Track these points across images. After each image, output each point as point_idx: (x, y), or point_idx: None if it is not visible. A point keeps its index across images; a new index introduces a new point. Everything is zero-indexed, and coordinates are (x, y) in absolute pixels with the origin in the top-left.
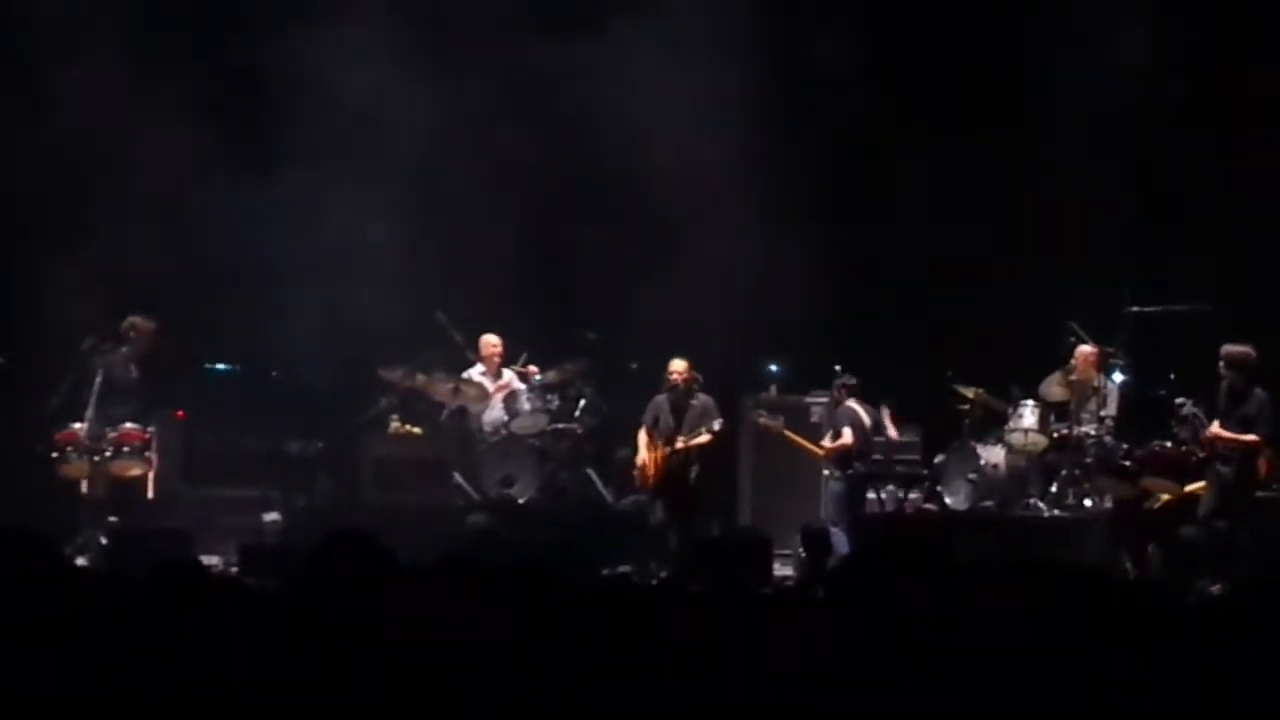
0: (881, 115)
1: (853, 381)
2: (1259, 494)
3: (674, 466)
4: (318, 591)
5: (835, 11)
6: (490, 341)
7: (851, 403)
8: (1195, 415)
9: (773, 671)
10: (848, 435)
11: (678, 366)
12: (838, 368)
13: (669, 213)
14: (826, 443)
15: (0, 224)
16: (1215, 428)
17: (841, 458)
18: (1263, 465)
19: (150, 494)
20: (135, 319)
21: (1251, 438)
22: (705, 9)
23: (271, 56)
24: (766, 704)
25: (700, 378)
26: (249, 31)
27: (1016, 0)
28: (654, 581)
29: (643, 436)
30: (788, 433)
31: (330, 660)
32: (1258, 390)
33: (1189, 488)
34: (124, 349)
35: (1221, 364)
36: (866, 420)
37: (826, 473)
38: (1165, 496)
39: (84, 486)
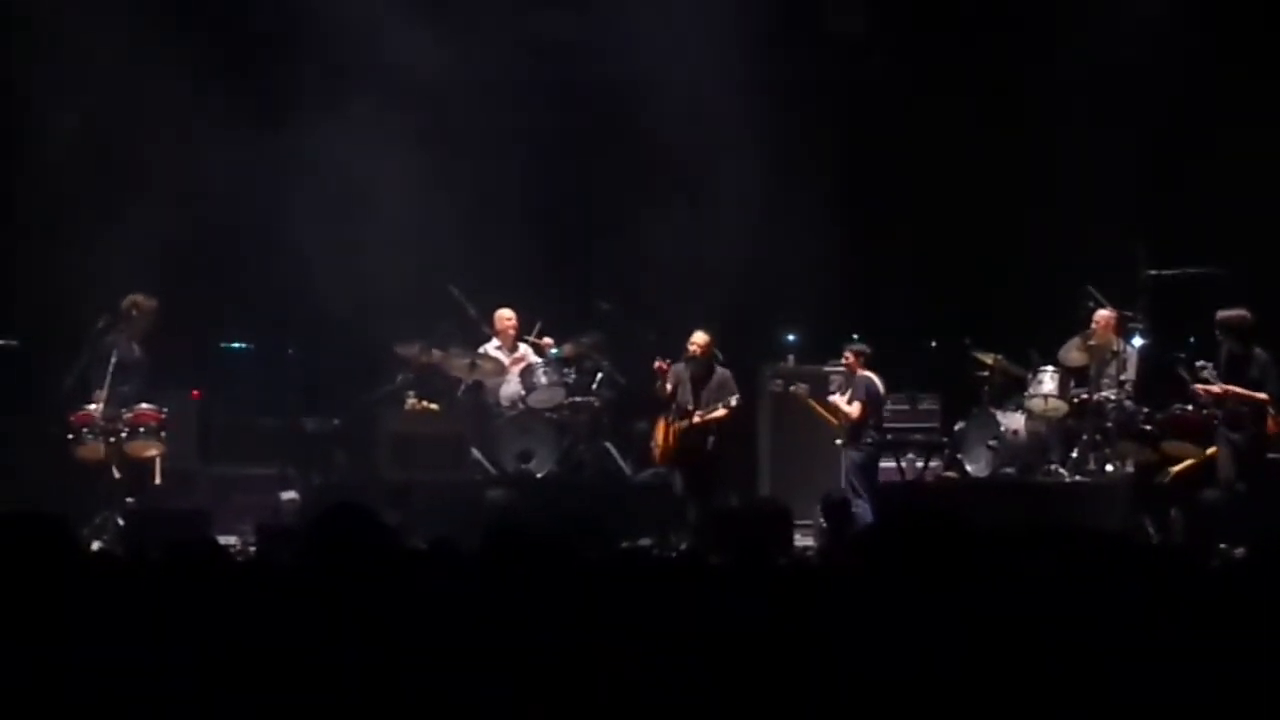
0: (896, 80)
1: (867, 349)
2: (1273, 455)
3: (691, 439)
4: (318, 567)
5: None
6: (505, 315)
7: (867, 371)
8: (1206, 368)
9: (795, 641)
10: (856, 408)
11: (698, 338)
12: (855, 337)
13: (684, 182)
14: (843, 405)
15: (9, 206)
16: (1216, 387)
17: (855, 429)
18: (1271, 424)
19: (158, 477)
20: (136, 297)
21: (1262, 396)
22: None
23: (283, 24)
24: (787, 673)
25: (720, 353)
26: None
27: None
28: (674, 554)
29: (669, 387)
30: (812, 401)
31: (346, 636)
32: (1258, 351)
33: (1210, 451)
34: (128, 328)
35: (1218, 330)
36: (881, 389)
37: (840, 442)
38: (1176, 466)
39: (112, 469)
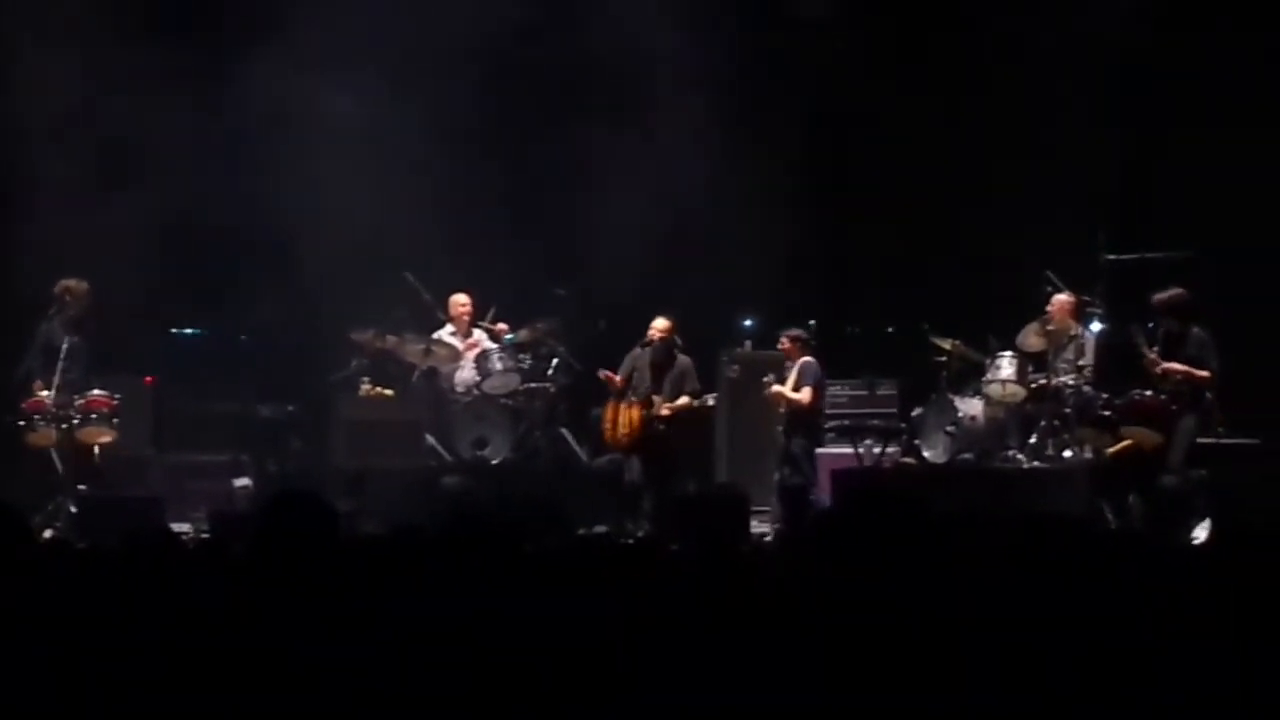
0: (857, 63)
1: (804, 334)
2: (1233, 441)
3: (652, 427)
4: (269, 555)
5: None
6: (459, 301)
7: (808, 356)
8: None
9: (752, 627)
10: (807, 393)
11: (659, 324)
12: (811, 322)
13: (641, 166)
14: (789, 393)
15: None
16: (1151, 354)
17: (805, 416)
18: (1211, 401)
19: (97, 461)
20: (68, 282)
21: (1204, 373)
22: None
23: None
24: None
25: (679, 340)
26: None
27: None
28: (631, 540)
29: (619, 379)
30: (776, 389)
31: (299, 624)
32: (1195, 329)
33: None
34: (66, 314)
35: (1156, 312)
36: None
37: (781, 428)
38: (1116, 447)
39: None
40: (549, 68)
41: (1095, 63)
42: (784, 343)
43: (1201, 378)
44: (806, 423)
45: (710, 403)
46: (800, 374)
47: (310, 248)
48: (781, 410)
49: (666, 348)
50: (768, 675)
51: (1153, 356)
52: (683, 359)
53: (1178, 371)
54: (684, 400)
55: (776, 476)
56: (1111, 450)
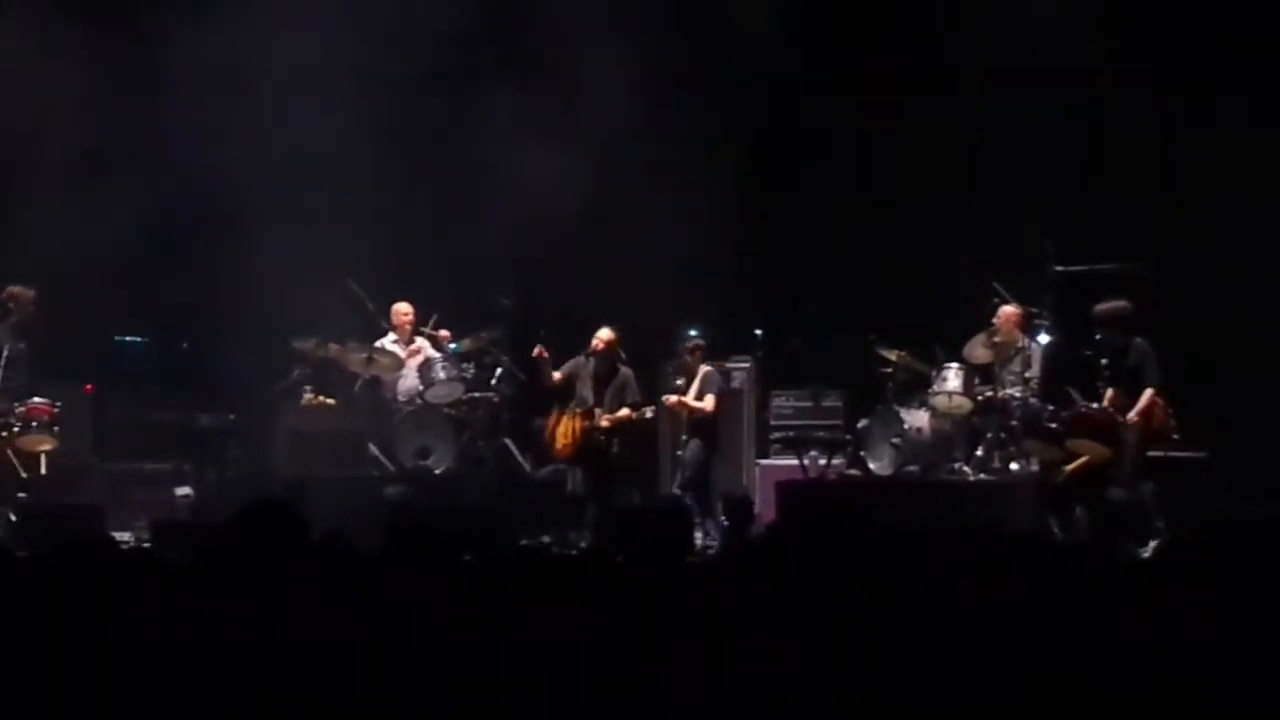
0: (804, 71)
1: (704, 342)
2: (1178, 454)
3: (593, 439)
4: (231, 564)
5: None
6: (402, 310)
7: (709, 366)
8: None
9: (696, 640)
10: (710, 401)
11: (603, 334)
12: (758, 332)
13: (581, 177)
14: (691, 401)
15: None
16: (1109, 396)
17: (707, 424)
18: (1158, 415)
19: (42, 470)
20: (13, 288)
21: (1146, 397)
22: None
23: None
24: (688, 673)
25: (622, 352)
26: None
27: None
28: (574, 551)
29: (557, 375)
30: (675, 399)
31: (244, 638)
32: (1137, 340)
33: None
34: (9, 320)
35: (1097, 324)
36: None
37: (685, 437)
38: (1072, 465)
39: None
40: (489, 74)
41: (1042, 72)
42: (687, 356)
43: (1149, 402)
44: (708, 430)
45: (649, 415)
46: (703, 382)
47: (252, 255)
48: (684, 419)
49: (609, 359)
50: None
51: (1111, 398)
52: (625, 370)
53: (1140, 418)
54: (624, 412)
55: (675, 486)
56: (1070, 468)
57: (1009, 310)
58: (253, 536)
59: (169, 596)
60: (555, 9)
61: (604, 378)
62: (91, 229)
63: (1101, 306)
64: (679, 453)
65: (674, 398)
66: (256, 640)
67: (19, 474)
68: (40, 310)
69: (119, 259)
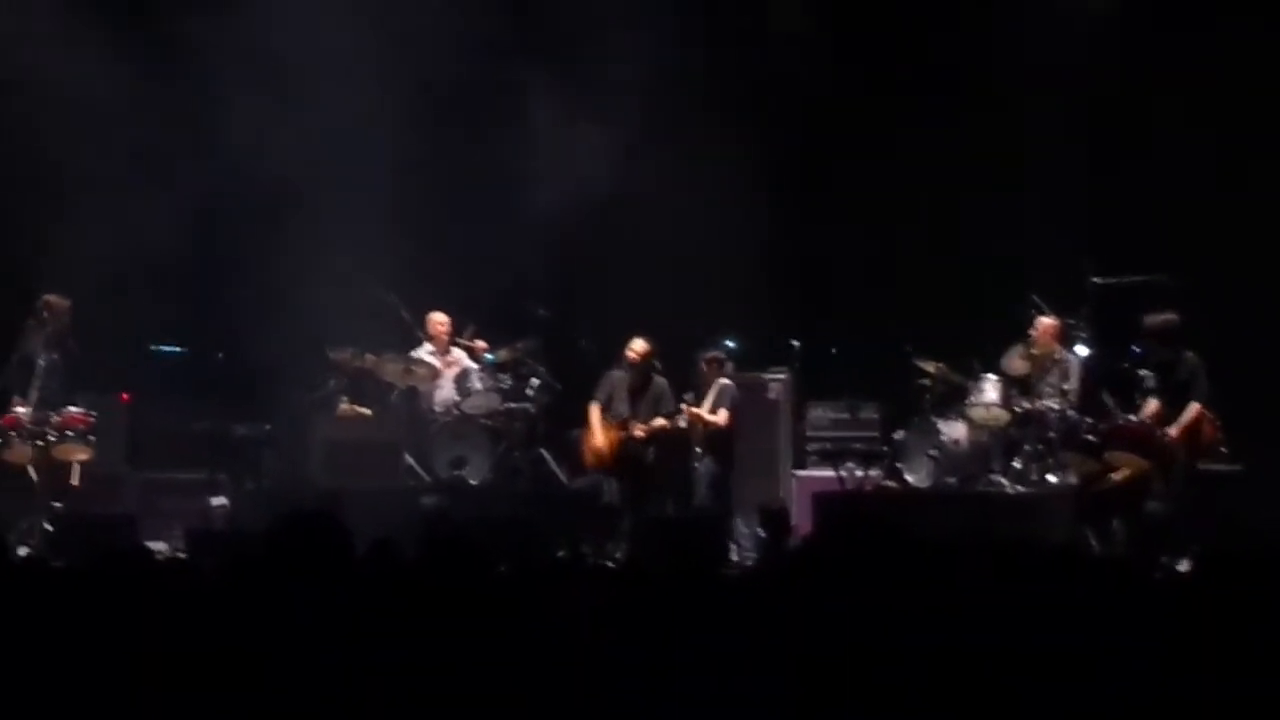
0: (839, 80)
1: (722, 355)
2: (1216, 468)
3: (629, 449)
4: (272, 575)
5: None
6: (438, 319)
7: (725, 378)
8: (1149, 378)
9: (731, 653)
10: (723, 415)
11: (637, 346)
12: (795, 343)
13: (620, 185)
14: (706, 414)
15: None
16: (1151, 408)
17: (716, 439)
18: (1206, 430)
19: (75, 479)
20: (49, 297)
21: (1192, 412)
22: None
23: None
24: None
25: (658, 363)
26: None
27: None
28: (609, 562)
29: (594, 411)
30: (693, 410)
31: (283, 645)
32: (1187, 354)
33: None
34: (45, 329)
35: (1146, 337)
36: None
37: (699, 450)
38: (1118, 475)
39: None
40: (522, 82)
41: (1081, 82)
42: (705, 366)
43: (1195, 416)
44: (720, 446)
45: (683, 424)
46: (719, 395)
47: (288, 264)
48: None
49: (644, 370)
50: (744, 700)
51: (1153, 410)
52: (659, 381)
53: (1183, 434)
54: (659, 422)
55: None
56: (1116, 479)
57: (1047, 322)
58: (296, 547)
59: (204, 607)
60: (590, 16)
61: (639, 388)
62: (128, 238)
63: (1151, 319)
64: (695, 465)
65: (693, 409)
66: (291, 651)
67: (54, 483)
68: (74, 320)
69: (156, 268)
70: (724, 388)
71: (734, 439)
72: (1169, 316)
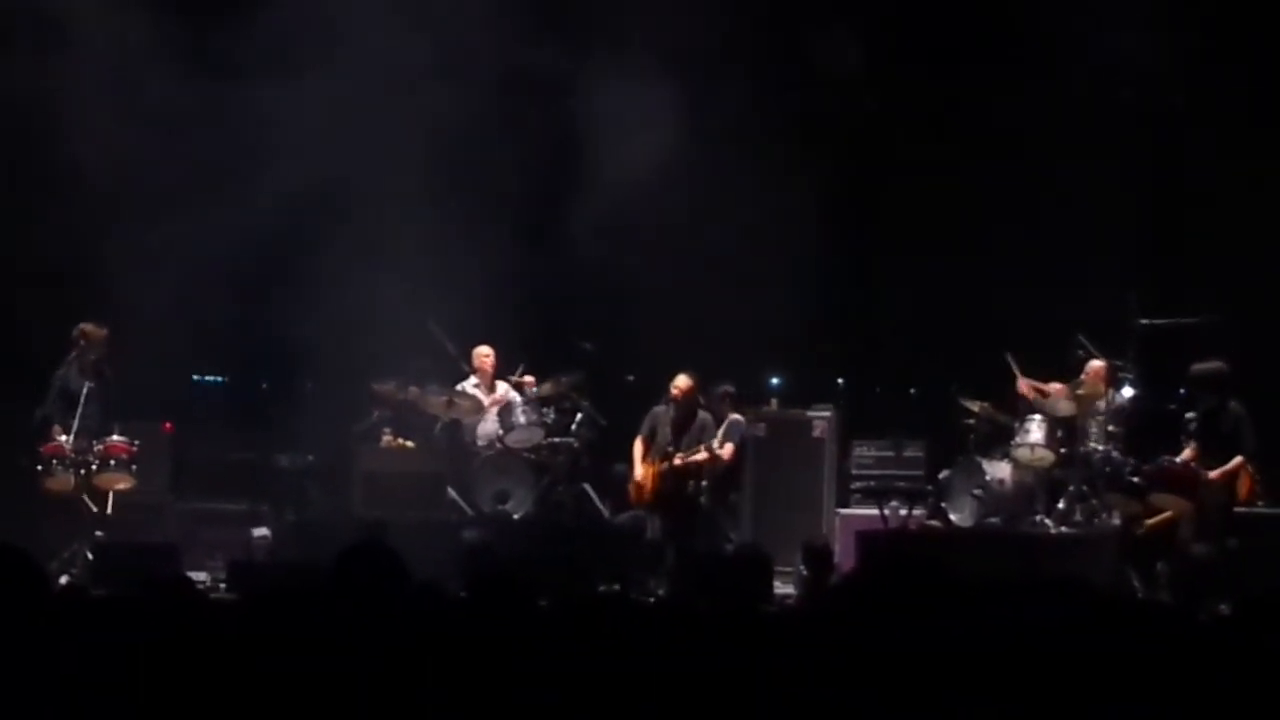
0: (886, 121)
1: (733, 390)
2: (1259, 511)
3: (671, 483)
4: (324, 606)
5: (839, 18)
6: (483, 352)
7: (736, 414)
8: (1194, 421)
9: (775, 692)
10: (728, 449)
11: (680, 382)
12: (840, 381)
13: (667, 220)
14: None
15: None
16: (1190, 451)
17: (727, 475)
18: (1245, 482)
19: (109, 508)
20: (85, 326)
21: (1235, 464)
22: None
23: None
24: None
25: (702, 398)
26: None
27: (1027, 3)
28: (651, 599)
29: (638, 447)
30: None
31: (329, 676)
32: (1233, 404)
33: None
34: (84, 358)
35: (1193, 385)
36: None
37: (705, 484)
38: (1154, 519)
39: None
40: (572, 119)
41: (1128, 123)
42: (718, 404)
43: (1237, 466)
44: (721, 480)
45: (720, 451)
46: (726, 430)
47: (332, 296)
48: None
49: (688, 405)
50: None
51: (1191, 453)
52: (703, 415)
53: (1223, 478)
54: (701, 455)
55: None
56: (1150, 523)
57: (1096, 365)
58: (352, 579)
59: (248, 637)
60: (637, 53)
61: (682, 423)
62: (171, 268)
63: (1197, 367)
64: (701, 500)
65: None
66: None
67: (96, 512)
68: (111, 349)
69: (199, 298)
70: (732, 422)
71: (739, 474)
72: (1216, 365)
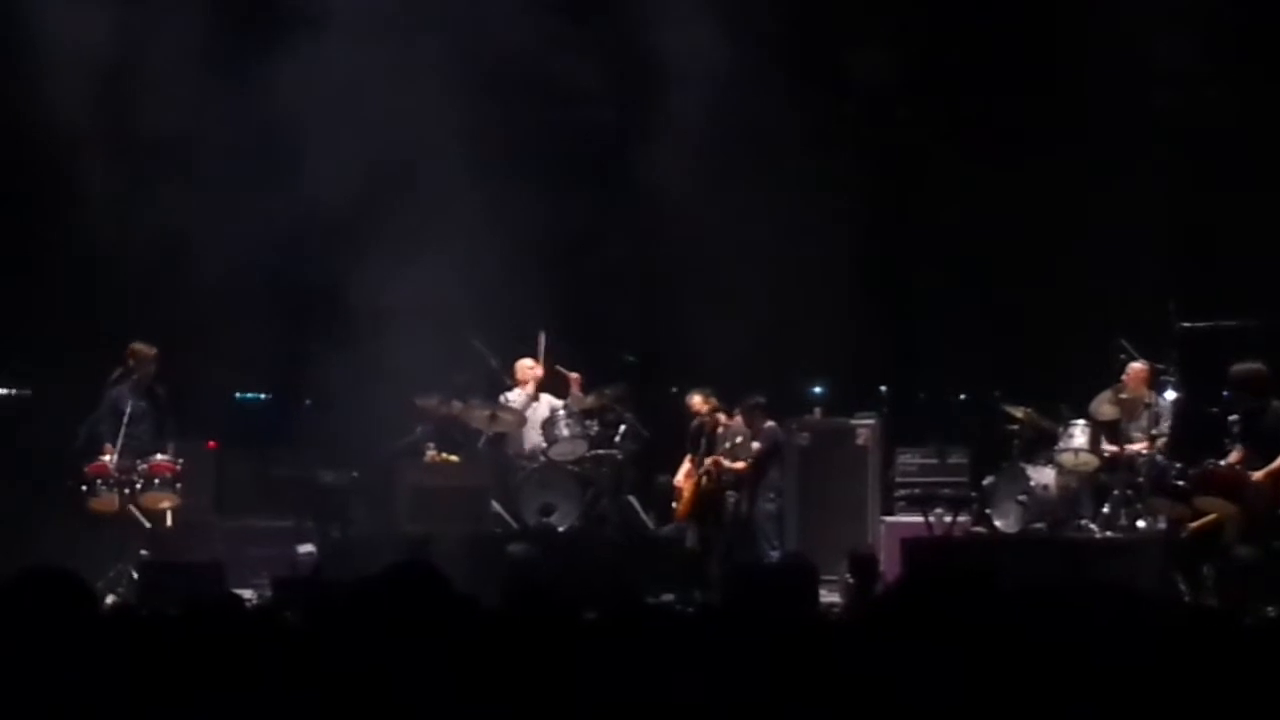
0: (925, 131)
1: (763, 400)
2: None
3: (705, 492)
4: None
5: (875, 27)
6: (527, 365)
7: (770, 421)
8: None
9: (820, 699)
10: (755, 446)
11: (693, 402)
12: (883, 389)
13: (708, 231)
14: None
15: (21, 254)
16: (1235, 454)
17: (755, 480)
18: None
19: (166, 525)
20: (135, 345)
21: (1279, 464)
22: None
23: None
24: None
25: (721, 406)
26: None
27: (1056, 9)
28: (697, 609)
29: (686, 461)
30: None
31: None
32: (1275, 403)
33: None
34: (132, 377)
35: (1233, 386)
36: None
37: (732, 495)
38: (1198, 522)
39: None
40: (616, 136)
41: (1168, 126)
42: (750, 415)
43: (1275, 469)
44: (751, 486)
45: (745, 456)
46: (761, 435)
47: (374, 311)
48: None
49: (711, 420)
50: None
51: (1237, 456)
52: (735, 422)
53: (1268, 479)
54: (734, 463)
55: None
56: (1194, 526)
57: (1137, 367)
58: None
59: (296, 656)
60: (673, 70)
61: (711, 434)
62: (215, 287)
63: (1237, 368)
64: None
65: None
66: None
67: (141, 531)
68: (160, 368)
69: (242, 316)
70: (766, 430)
71: (764, 476)
72: (1256, 366)
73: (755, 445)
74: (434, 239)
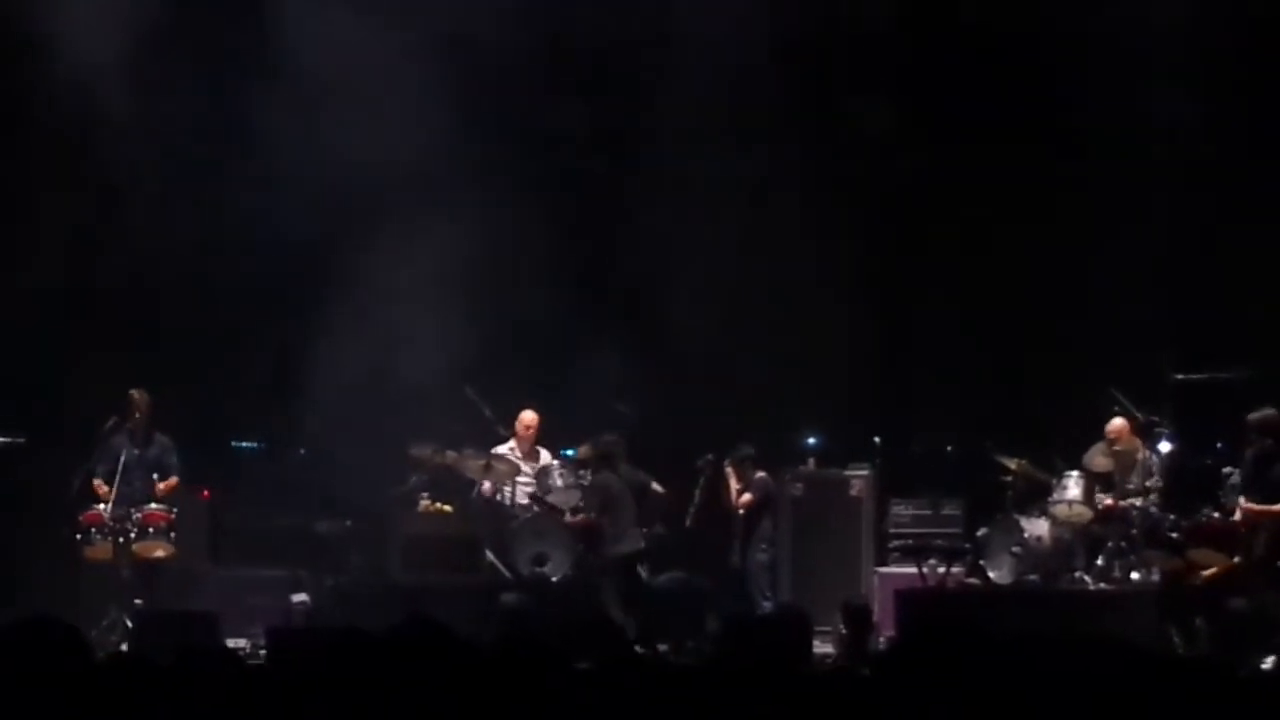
0: (922, 180)
1: (753, 452)
2: None
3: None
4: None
5: (871, 78)
6: (527, 419)
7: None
8: (1233, 475)
9: None
10: (747, 497)
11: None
12: (876, 439)
13: (704, 281)
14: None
15: (14, 301)
16: (1243, 502)
17: (748, 530)
18: None
19: (148, 577)
20: (132, 392)
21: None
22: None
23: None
24: None
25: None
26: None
27: (1055, 62)
28: (691, 660)
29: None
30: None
31: None
32: None
33: (1237, 559)
34: (127, 425)
35: (1251, 432)
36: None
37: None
38: (1201, 573)
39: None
40: (604, 183)
41: (1161, 177)
42: (742, 469)
43: (1276, 512)
44: (744, 536)
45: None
46: (752, 485)
47: (369, 362)
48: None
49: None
50: None
51: (1242, 517)
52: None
53: (1255, 514)
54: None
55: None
56: (1201, 576)
57: (1118, 424)
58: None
59: (284, 706)
60: (679, 121)
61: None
62: (208, 334)
63: (1256, 414)
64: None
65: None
66: None
67: (135, 580)
68: (152, 414)
69: (237, 365)
70: (756, 481)
71: (758, 525)
72: (1270, 412)
73: (746, 497)
74: (431, 289)
